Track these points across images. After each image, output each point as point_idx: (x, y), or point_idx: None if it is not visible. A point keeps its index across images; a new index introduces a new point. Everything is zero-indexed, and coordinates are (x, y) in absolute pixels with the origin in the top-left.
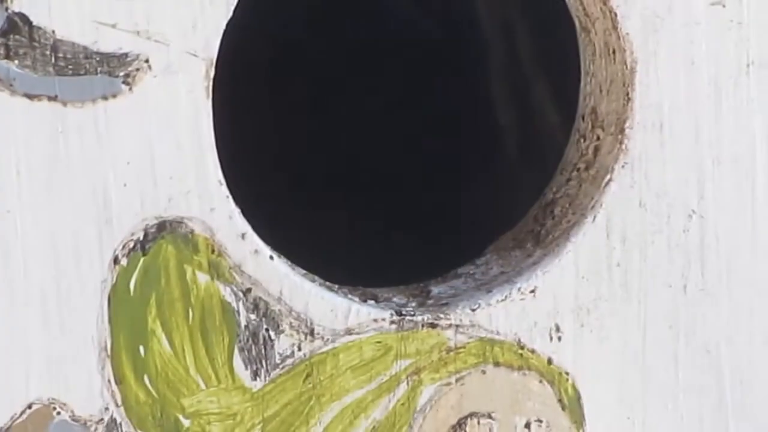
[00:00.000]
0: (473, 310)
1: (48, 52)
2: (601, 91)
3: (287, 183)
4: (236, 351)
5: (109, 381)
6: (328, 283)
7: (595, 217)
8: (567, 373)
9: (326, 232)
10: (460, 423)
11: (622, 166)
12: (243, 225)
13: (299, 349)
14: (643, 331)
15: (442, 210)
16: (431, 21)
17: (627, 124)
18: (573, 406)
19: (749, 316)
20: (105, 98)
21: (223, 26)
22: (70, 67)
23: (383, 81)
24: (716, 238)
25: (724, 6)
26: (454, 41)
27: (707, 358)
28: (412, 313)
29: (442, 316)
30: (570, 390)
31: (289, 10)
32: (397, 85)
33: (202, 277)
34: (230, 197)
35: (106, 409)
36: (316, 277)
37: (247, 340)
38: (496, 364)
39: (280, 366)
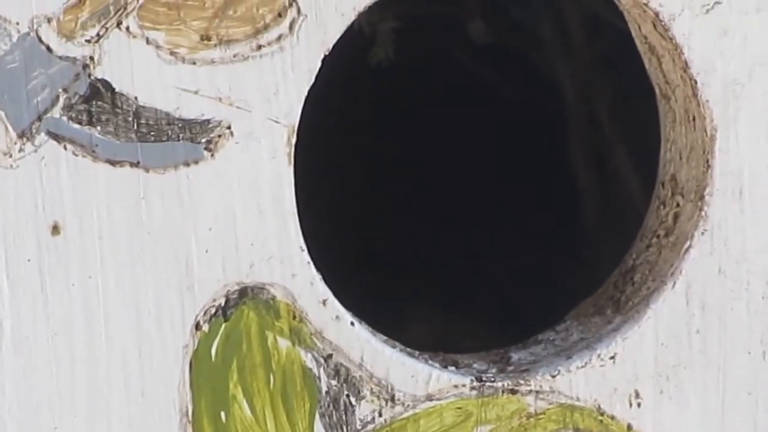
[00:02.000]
0: (553, 376)
1: (130, 119)
2: (681, 158)
3: (367, 249)
4: (317, 417)
5: None
6: (408, 349)
7: (674, 283)
8: None
9: (407, 299)
10: None
11: (702, 233)
12: (324, 291)
13: (380, 414)
14: (722, 397)
15: (523, 276)
16: (513, 84)
17: (707, 191)
18: None
19: None
20: (187, 164)
21: (305, 93)
22: (152, 133)
23: (462, 145)
24: None
25: None
26: (536, 106)
27: None
28: (493, 379)
29: (522, 382)
30: None
31: (370, 76)
32: (480, 151)
33: (284, 343)
34: (311, 263)
35: None
36: (397, 344)
37: (328, 405)
38: (577, 430)
39: (363, 429)
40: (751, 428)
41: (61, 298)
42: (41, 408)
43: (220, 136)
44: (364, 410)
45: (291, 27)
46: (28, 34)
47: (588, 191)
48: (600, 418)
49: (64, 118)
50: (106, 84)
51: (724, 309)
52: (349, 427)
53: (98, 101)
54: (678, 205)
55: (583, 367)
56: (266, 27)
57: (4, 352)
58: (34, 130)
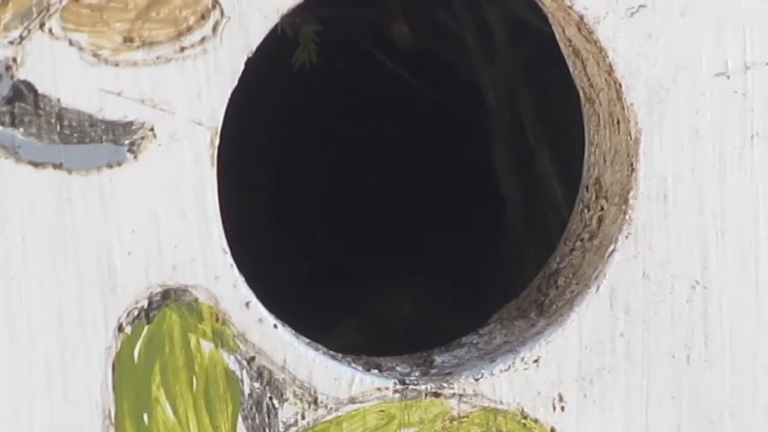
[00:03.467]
0: (476, 380)
1: (53, 120)
2: (605, 161)
3: (290, 253)
4: (240, 419)
5: None
6: (331, 352)
7: (598, 287)
8: None
9: (330, 303)
10: None
11: (626, 237)
12: (247, 294)
13: (303, 417)
14: (646, 401)
15: (445, 280)
16: (436, 88)
17: (631, 195)
18: None
19: (753, 386)
20: (110, 166)
21: (228, 95)
22: (75, 135)
23: (385, 148)
24: (719, 308)
25: (728, 77)
26: (459, 109)
27: (710, 429)
28: (416, 382)
29: (445, 385)
30: None
31: (293, 79)
32: (403, 154)
33: (207, 345)
34: (234, 266)
35: None
36: (320, 346)
37: (251, 408)
38: None
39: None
40: None
41: None
42: None
43: (143, 138)
44: (286, 413)
45: (214, 29)
46: None
47: (512, 195)
48: (523, 421)
49: None
50: (29, 85)
51: (648, 313)
52: (271, 430)
53: (21, 103)
54: (602, 208)
55: (506, 370)
56: (189, 29)
57: None
58: None
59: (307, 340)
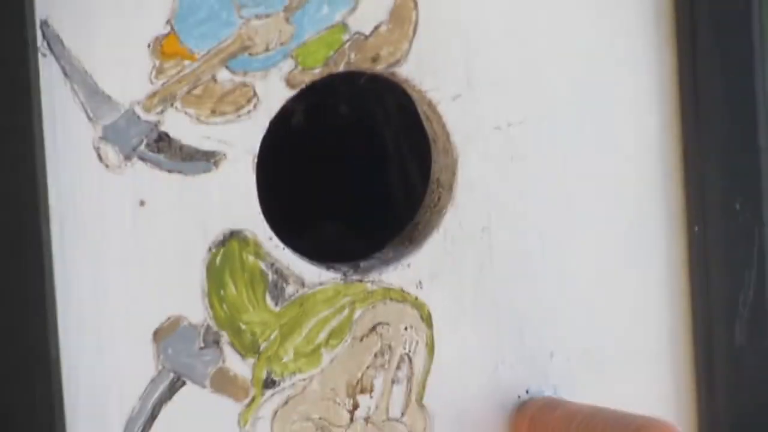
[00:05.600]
0: (380, 274)
1: (177, 150)
2: (442, 169)
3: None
4: (267, 293)
5: (208, 307)
6: (313, 261)
7: (441, 228)
8: (427, 305)
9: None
10: (374, 327)
11: (451, 206)
12: (269, 232)
13: (297, 291)
14: (473, 291)
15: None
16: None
17: (454, 185)
18: (428, 320)
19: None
20: (207, 172)
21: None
22: (187, 157)
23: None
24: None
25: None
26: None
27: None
28: (352, 274)
29: (366, 277)
30: (426, 312)
31: None
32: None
33: (251, 257)
34: (265, 222)
35: (207, 321)
36: (304, 257)
37: (273, 288)
38: (391, 299)
39: (289, 300)
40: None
41: None
42: None
43: (221, 158)
44: (289, 290)
45: (255, 106)
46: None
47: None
48: (404, 294)
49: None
50: (166, 134)
51: (467, 240)
52: (282, 298)
53: (161, 142)
54: (440, 193)
55: (395, 270)
56: (240, 107)
57: None
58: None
59: (298, 254)
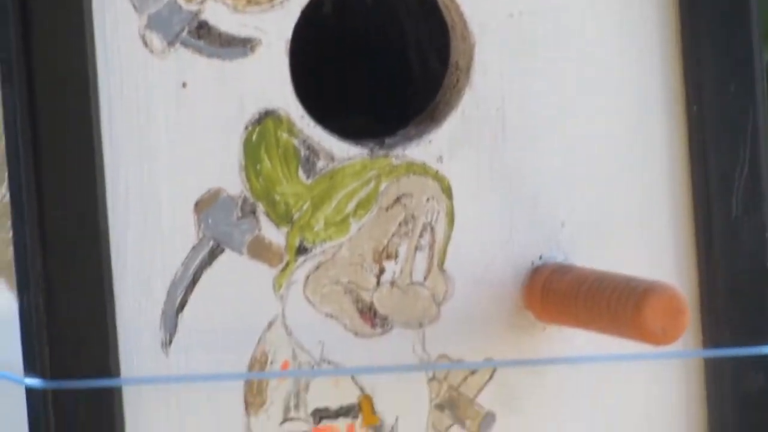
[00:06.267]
0: (404, 149)
1: (218, 38)
2: (461, 54)
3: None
4: (300, 167)
5: (245, 180)
6: (338, 135)
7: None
8: (447, 178)
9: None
10: (398, 198)
11: (469, 88)
12: (302, 111)
13: (327, 165)
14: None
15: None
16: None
17: (471, 69)
18: (448, 192)
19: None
20: (243, 56)
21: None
22: (227, 44)
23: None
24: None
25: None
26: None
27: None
28: (378, 150)
29: (391, 152)
30: (446, 184)
31: None
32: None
33: (285, 135)
34: (298, 101)
35: (244, 192)
36: (334, 134)
37: (306, 162)
38: (414, 173)
39: (319, 173)
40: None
41: None
42: None
43: (256, 43)
44: (320, 165)
45: None
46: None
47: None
48: (425, 168)
49: None
50: (206, 22)
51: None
52: (313, 171)
53: (202, 30)
54: (458, 76)
55: (418, 146)
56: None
57: None
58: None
59: (328, 130)
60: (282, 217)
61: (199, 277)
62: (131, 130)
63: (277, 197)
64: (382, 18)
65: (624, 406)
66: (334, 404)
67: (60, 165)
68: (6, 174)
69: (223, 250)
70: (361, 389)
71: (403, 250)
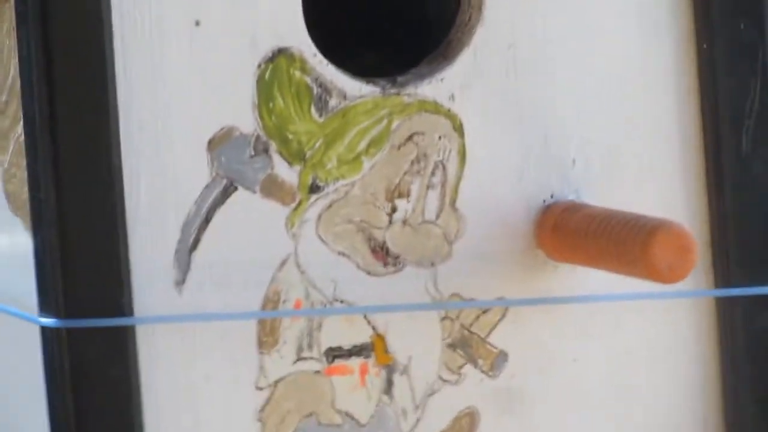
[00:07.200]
0: (416, 88)
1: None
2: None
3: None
4: (312, 105)
5: (258, 118)
6: (350, 73)
7: (471, 44)
8: (459, 116)
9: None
10: (410, 136)
11: (482, 25)
12: (314, 49)
13: (339, 104)
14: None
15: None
16: None
17: (483, 6)
18: (459, 130)
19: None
20: None
21: None
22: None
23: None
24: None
25: None
26: None
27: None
28: (390, 88)
29: (403, 90)
30: (458, 122)
31: None
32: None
33: (297, 73)
34: (310, 39)
35: (257, 131)
36: (347, 73)
37: (318, 101)
38: (426, 111)
39: (332, 111)
40: None
41: None
42: None
43: None
44: (332, 102)
45: None
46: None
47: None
48: (437, 106)
49: None
50: None
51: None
52: (324, 109)
53: None
54: (471, 13)
55: (429, 84)
56: None
57: None
58: None
59: (338, 68)
60: (295, 156)
61: (212, 215)
62: (144, 67)
63: (290, 135)
64: None
65: (635, 345)
66: (346, 343)
67: (74, 102)
68: (21, 112)
69: (236, 189)
70: (374, 328)
71: (415, 189)
